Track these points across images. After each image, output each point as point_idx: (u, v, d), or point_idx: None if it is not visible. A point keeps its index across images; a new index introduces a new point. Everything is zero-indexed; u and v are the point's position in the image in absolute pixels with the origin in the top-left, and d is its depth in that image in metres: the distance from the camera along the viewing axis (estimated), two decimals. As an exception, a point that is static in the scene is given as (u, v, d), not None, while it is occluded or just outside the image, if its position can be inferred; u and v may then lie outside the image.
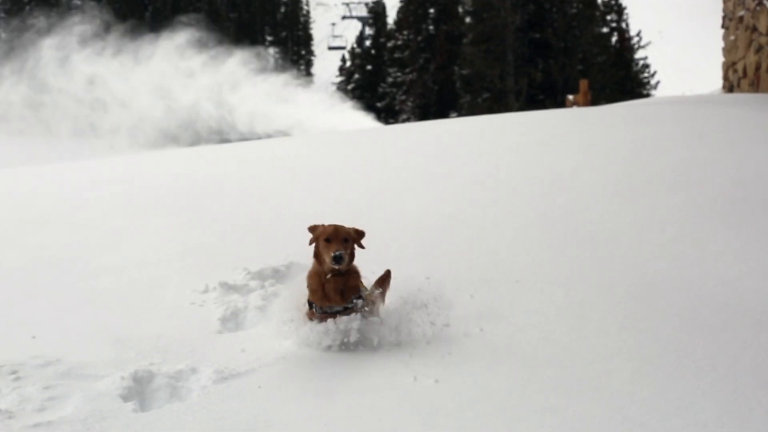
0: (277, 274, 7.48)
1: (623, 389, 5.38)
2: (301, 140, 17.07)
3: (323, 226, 6.02)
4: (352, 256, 6.03)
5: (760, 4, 20.25)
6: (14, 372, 5.57)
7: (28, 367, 5.65)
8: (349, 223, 6.20)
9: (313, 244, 6.04)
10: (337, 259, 5.79)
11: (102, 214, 9.80)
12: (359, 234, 6.08)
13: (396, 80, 63.10)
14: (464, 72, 51.91)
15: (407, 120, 57.23)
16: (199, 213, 9.76)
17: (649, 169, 10.86)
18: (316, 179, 11.52)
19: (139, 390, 5.49)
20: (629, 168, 11.03)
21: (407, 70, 62.09)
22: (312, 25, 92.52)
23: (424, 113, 58.43)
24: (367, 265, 7.55)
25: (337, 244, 5.85)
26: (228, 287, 7.15)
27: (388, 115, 61.28)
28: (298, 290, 6.26)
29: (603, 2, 59.18)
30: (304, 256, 7.73)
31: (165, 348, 6.05)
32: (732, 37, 22.43)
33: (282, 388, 5.44)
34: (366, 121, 43.72)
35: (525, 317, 6.58)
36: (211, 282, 7.21)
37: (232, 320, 6.63)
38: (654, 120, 15.46)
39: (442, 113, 55.79)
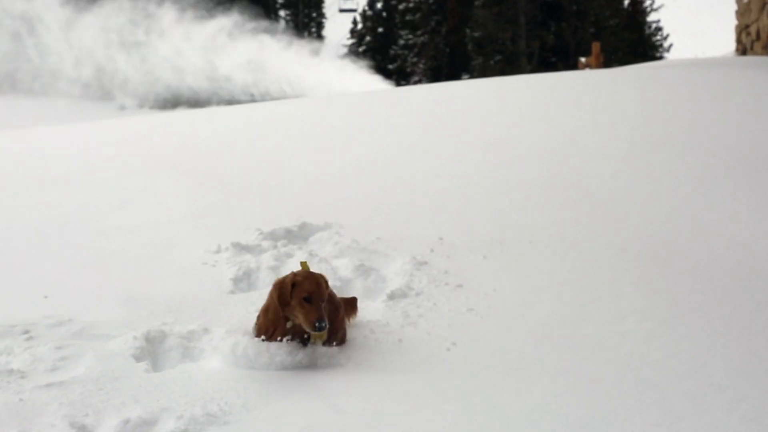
0: (290, 235, 7.45)
1: (636, 350, 5.36)
2: (313, 102, 17.02)
3: (298, 277, 5.21)
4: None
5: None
6: (26, 332, 5.57)
7: (40, 326, 5.65)
8: (363, 186, 6.14)
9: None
10: (320, 329, 5.07)
11: (114, 174, 9.78)
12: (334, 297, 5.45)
13: (407, 43, 62.74)
14: (476, 34, 51.55)
15: (419, 82, 57.00)
16: (211, 173, 9.73)
17: (662, 131, 10.78)
18: (328, 140, 11.47)
19: (152, 350, 5.49)
20: (642, 130, 10.95)
21: (419, 32, 61.71)
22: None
23: (436, 76, 58.14)
24: (380, 227, 7.53)
25: (318, 305, 5.13)
26: (240, 247, 7.12)
27: (399, 77, 61.00)
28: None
29: (616, -36, 58.59)
30: (317, 216, 7.73)
31: (177, 308, 6.04)
32: (745, 0, 22.20)
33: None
34: (377, 83, 43.52)
35: (538, 278, 6.55)
36: (224, 242, 7.18)
37: (244, 280, 6.62)
38: (666, 82, 15.34)
39: (453, 75, 55.49)
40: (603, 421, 4.60)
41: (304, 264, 5.44)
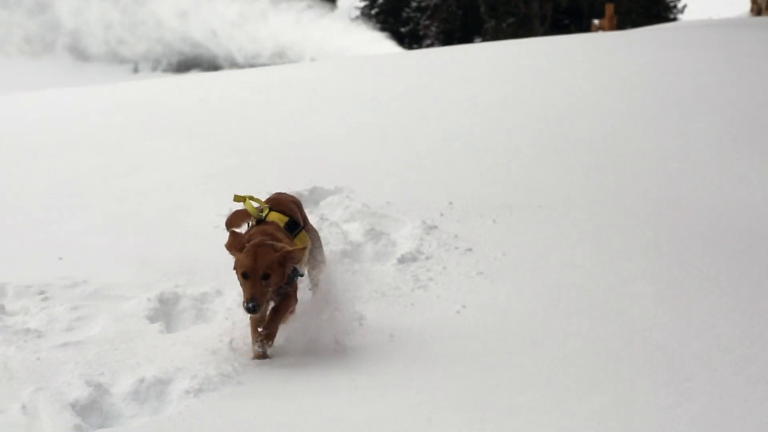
0: (301, 198, 7.46)
1: (645, 313, 5.38)
2: (325, 65, 16.97)
3: (239, 240, 4.89)
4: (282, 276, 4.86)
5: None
6: (42, 292, 5.64)
7: (55, 287, 5.71)
8: (374, 150, 6.14)
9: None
10: (251, 309, 4.71)
11: (127, 137, 9.80)
12: (286, 256, 4.84)
13: (420, 5, 62.30)
14: (489, -4, 51.19)
15: (431, 45, 56.64)
16: (223, 137, 9.74)
17: (674, 94, 10.72)
18: (339, 104, 11.45)
19: (165, 311, 5.55)
20: (654, 92, 10.90)
21: (431, -6, 61.26)
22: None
23: (448, 38, 57.72)
24: (391, 191, 7.54)
25: (255, 282, 4.75)
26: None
27: (412, 40, 60.65)
28: None
29: (630, -76, 57.95)
30: (328, 180, 7.75)
31: (190, 270, 6.09)
32: (760, -40, 21.99)
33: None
34: (389, 46, 43.27)
35: (547, 242, 6.58)
36: (235, 206, 7.19)
37: (256, 243, 6.63)
38: (680, 44, 15.23)
39: (466, 38, 55.11)
40: (612, 382, 4.62)
41: (243, 201, 5.30)
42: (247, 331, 5.09)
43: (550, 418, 4.34)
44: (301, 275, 5.08)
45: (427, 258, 6.30)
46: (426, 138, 9.45)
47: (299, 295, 5.10)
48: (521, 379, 4.70)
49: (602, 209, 7.15)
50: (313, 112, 11.01)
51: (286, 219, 5.21)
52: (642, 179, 7.84)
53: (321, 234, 5.98)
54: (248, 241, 4.84)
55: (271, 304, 4.93)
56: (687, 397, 4.50)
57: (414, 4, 63.05)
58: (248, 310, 4.67)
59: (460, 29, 59.67)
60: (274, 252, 4.77)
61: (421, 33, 61.57)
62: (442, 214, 7.06)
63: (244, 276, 4.73)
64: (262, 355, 4.90)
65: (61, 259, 6.27)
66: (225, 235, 6.68)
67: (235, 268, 4.81)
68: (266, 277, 4.73)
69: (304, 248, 4.98)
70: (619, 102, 10.55)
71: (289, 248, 4.82)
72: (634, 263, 6.12)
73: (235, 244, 4.84)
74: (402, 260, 6.24)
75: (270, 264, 4.74)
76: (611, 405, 4.46)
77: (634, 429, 4.28)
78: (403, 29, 62.89)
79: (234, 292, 5.66)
